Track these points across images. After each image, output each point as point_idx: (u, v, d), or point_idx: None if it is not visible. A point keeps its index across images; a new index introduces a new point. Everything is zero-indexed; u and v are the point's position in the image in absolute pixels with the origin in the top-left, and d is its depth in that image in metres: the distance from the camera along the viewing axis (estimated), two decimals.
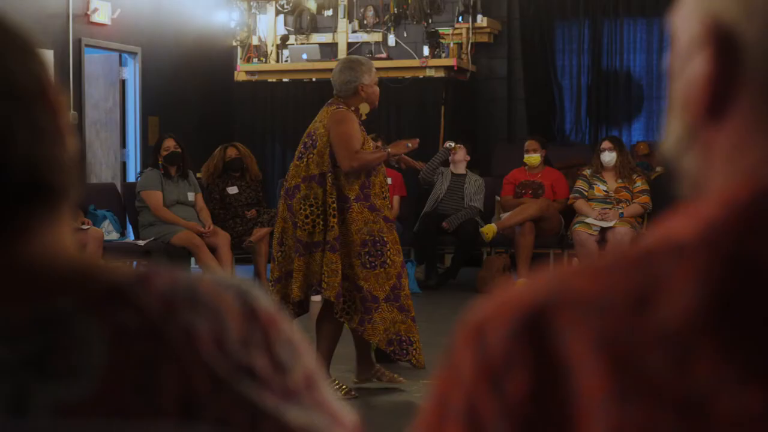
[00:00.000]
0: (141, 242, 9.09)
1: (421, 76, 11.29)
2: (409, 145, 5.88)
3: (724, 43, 0.75)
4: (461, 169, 10.09)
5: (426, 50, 11.49)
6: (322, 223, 5.47)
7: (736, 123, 0.76)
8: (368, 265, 5.50)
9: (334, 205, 5.46)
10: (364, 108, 5.64)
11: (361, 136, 5.51)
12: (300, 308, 5.64)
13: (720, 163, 0.77)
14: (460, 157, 10.01)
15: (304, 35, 12.15)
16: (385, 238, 5.51)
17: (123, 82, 11.15)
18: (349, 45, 11.98)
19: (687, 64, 0.78)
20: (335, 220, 5.45)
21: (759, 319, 0.68)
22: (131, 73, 11.16)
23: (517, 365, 0.72)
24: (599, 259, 0.75)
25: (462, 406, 0.74)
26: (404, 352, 5.65)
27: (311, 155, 5.51)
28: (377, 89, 5.62)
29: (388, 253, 5.52)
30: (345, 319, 5.58)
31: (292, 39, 12.14)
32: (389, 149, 5.77)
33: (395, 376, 5.81)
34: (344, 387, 5.68)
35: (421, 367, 5.71)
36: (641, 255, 0.73)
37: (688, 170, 0.80)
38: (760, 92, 0.75)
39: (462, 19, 11.59)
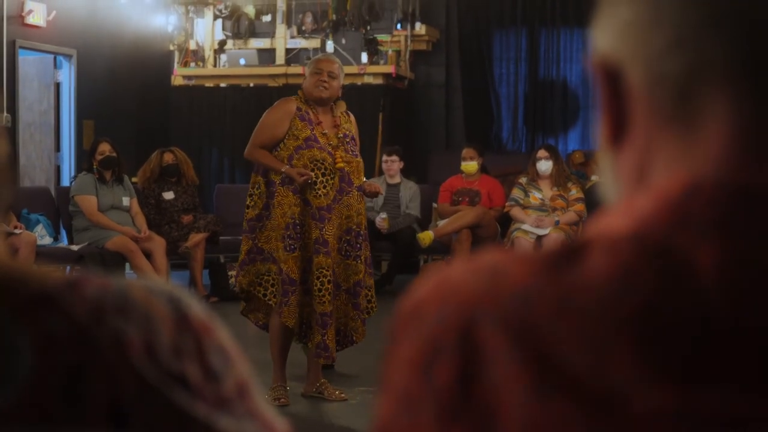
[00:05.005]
0: (74, 247, 9.00)
1: (360, 83, 11.29)
2: (301, 178, 5.51)
3: (613, 81, 0.80)
4: (396, 178, 10.13)
5: (364, 57, 11.50)
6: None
7: (635, 145, 0.80)
8: (288, 248, 5.56)
9: (255, 189, 5.66)
10: (341, 106, 5.76)
11: (284, 125, 5.60)
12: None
13: (626, 184, 0.81)
14: (395, 168, 10.05)
15: (242, 40, 12.11)
16: (300, 222, 5.57)
17: (58, 85, 11.03)
18: (288, 51, 11.96)
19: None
20: (251, 201, 5.66)
21: (676, 318, 0.69)
22: (66, 76, 11.04)
23: (446, 352, 0.72)
24: (533, 252, 0.75)
25: (401, 389, 0.74)
26: (303, 335, 5.73)
27: None
28: (312, 79, 5.64)
29: (305, 236, 5.57)
30: (246, 312, 5.80)
31: (229, 44, 12.09)
32: (284, 169, 5.54)
33: (337, 392, 5.78)
34: (273, 393, 5.66)
35: (307, 351, 5.75)
36: (574, 249, 0.74)
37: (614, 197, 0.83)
38: (650, 120, 0.78)
39: (401, 27, 11.62)
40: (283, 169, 5.55)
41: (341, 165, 5.61)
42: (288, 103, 5.70)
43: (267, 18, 12.09)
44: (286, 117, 5.63)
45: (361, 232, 5.70)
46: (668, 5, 0.77)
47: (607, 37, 0.81)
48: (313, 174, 5.54)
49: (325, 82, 5.62)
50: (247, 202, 5.70)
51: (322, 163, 5.57)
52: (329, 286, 5.56)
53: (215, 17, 12.12)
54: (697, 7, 0.76)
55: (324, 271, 5.54)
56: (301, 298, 5.62)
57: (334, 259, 5.61)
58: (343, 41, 11.83)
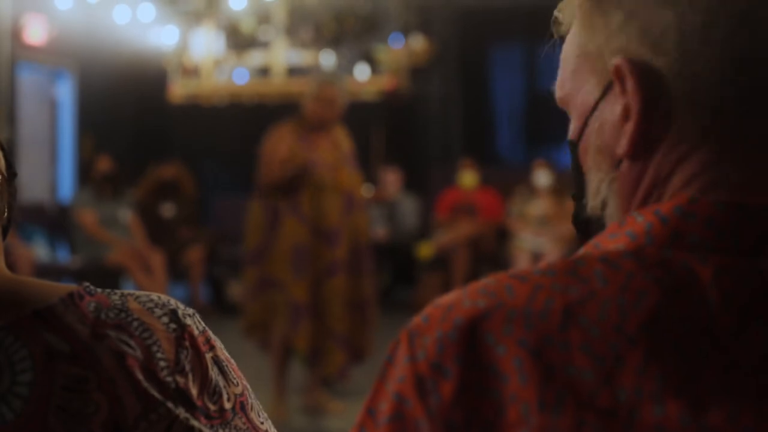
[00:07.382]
0: (73, 261, 9.00)
1: (358, 97, 11.29)
2: (297, 168, 5.61)
3: (645, 78, 0.79)
4: (395, 192, 10.14)
5: (363, 71, 11.50)
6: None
7: (662, 154, 0.79)
8: (297, 274, 5.56)
9: (254, 218, 5.64)
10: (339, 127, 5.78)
11: (283, 145, 5.59)
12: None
13: (643, 193, 0.80)
14: (393, 181, 10.06)
15: (240, 54, 12.11)
16: (309, 247, 5.55)
17: (57, 101, 11.04)
18: (286, 65, 11.95)
19: (601, 111, 0.83)
20: (251, 232, 5.65)
21: (678, 332, 0.70)
22: (65, 92, 11.06)
23: (447, 370, 0.72)
24: (532, 269, 0.76)
25: (392, 409, 0.74)
26: (316, 359, 5.70)
27: None
28: (313, 106, 5.63)
29: (314, 261, 5.56)
30: (249, 335, 5.74)
31: (228, 58, 12.09)
32: (291, 173, 5.57)
33: (336, 405, 5.78)
34: (271, 407, 5.64)
35: (326, 374, 5.73)
36: (572, 265, 0.74)
37: (610, 215, 0.82)
38: (687, 121, 0.78)
39: (400, 40, 11.63)
40: (290, 174, 5.55)
41: (345, 183, 5.62)
42: (281, 130, 5.70)
43: (266, 32, 12.08)
44: (282, 139, 5.63)
45: (366, 247, 5.71)
46: None
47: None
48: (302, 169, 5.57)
49: (321, 109, 5.63)
50: (247, 233, 5.69)
51: (327, 184, 5.59)
52: (344, 305, 5.58)
53: (213, 32, 12.11)
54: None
55: (341, 291, 5.56)
56: (312, 323, 5.60)
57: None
58: (342, 55, 11.83)
